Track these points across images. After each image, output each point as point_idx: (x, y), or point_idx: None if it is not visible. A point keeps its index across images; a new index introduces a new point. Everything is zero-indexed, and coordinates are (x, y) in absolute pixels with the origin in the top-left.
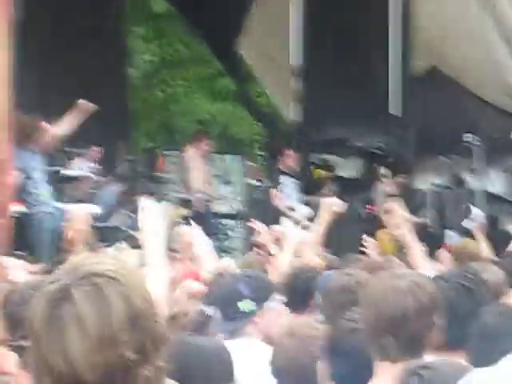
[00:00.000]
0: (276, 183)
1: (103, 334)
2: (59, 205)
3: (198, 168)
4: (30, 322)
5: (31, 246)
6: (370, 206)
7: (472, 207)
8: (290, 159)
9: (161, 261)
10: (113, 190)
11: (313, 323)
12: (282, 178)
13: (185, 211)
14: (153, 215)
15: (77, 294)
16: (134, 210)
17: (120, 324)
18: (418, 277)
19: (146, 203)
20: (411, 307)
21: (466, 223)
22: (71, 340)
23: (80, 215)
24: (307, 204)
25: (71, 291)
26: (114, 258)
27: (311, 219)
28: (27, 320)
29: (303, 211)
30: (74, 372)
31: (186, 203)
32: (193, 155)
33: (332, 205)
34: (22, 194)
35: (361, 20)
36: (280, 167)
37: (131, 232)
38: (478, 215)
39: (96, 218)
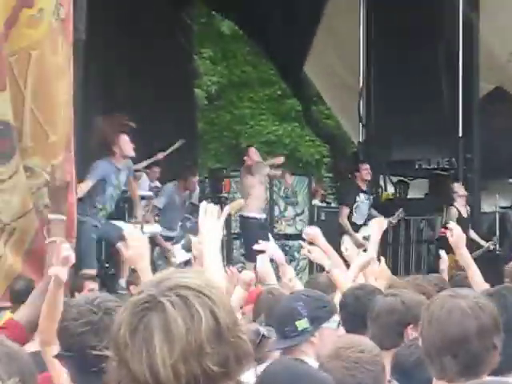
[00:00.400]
0: (352, 201)
1: (190, 344)
2: (117, 222)
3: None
4: (116, 331)
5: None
6: (443, 230)
7: None
8: (366, 172)
9: (218, 265)
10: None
11: (361, 346)
12: (359, 196)
13: None
14: (213, 218)
15: (165, 303)
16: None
17: (206, 336)
18: (479, 298)
19: (207, 206)
20: (473, 328)
21: None
22: (158, 349)
23: (138, 236)
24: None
25: (160, 301)
26: (198, 273)
27: None
28: (112, 329)
29: (368, 232)
30: (157, 382)
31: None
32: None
33: (380, 223)
34: (84, 203)
35: (428, 42)
36: (358, 183)
37: (191, 236)
38: None
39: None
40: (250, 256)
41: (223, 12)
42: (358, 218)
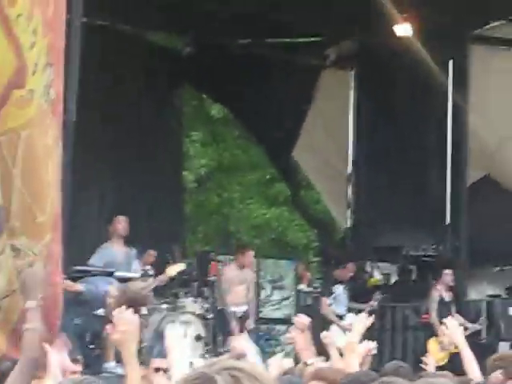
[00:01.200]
0: (329, 291)
1: None
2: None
3: (237, 285)
4: None
5: None
6: (424, 315)
7: None
8: (349, 271)
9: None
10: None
11: None
12: (336, 287)
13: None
14: (179, 343)
15: (217, 379)
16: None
17: None
18: None
19: (172, 331)
20: None
21: None
22: None
23: (126, 317)
24: (359, 311)
25: (212, 377)
26: (253, 363)
27: None
28: None
29: (351, 320)
30: None
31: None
32: (230, 275)
33: (363, 321)
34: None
35: (418, 129)
36: (336, 276)
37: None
38: None
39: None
40: None
41: (213, 95)
42: (337, 308)
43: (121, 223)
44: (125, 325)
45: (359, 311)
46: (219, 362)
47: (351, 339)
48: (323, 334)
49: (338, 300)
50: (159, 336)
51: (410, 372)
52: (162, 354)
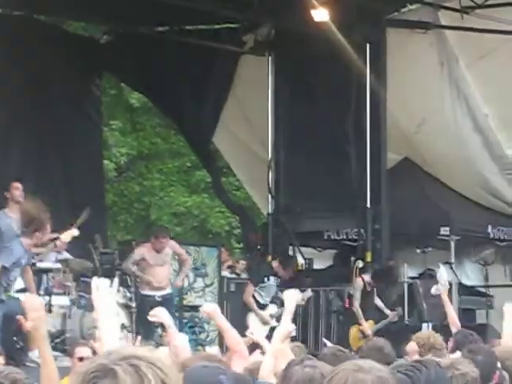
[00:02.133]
0: (259, 281)
1: None
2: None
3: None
4: None
5: None
6: (347, 302)
7: (439, 271)
8: (290, 274)
9: (115, 337)
10: None
11: None
12: (269, 279)
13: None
14: (106, 294)
15: (117, 370)
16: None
17: None
18: (383, 372)
19: (99, 282)
20: None
21: (434, 290)
22: None
23: (33, 303)
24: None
25: (111, 368)
26: (150, 350)
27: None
28: None
29: (274, 310)
30: None
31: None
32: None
33: (294, 295)
34: None
35: (337, 115)
36: (276, 269)
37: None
38: (442, 278)
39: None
40: None
41: (132, 84)
42: (263, 298)
43: (17, 189)
44: (34, 311)
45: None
46: (117, 351)
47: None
48: (248, 333)
49: (267, 289)
50: (82, 326)
51: (349, 357)
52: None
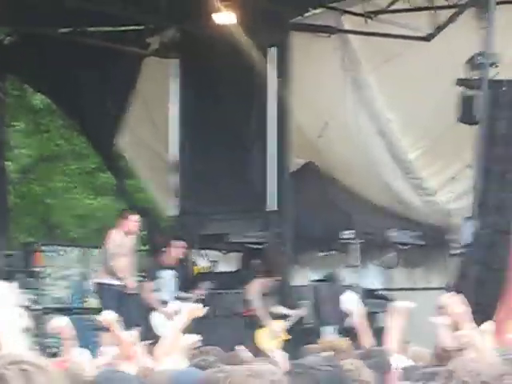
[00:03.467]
0: (152, 276)
1: None
2: None
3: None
4: None
5: None
6: (246, 310)
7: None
8: (179, 250)
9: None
10: None
11: None
12: (163, 272)
13: None
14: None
15: (7, 375)
16: None
17: None
18: (277, 375)
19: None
20: None
21: (347, 322)
22: None
23: None
24: (185, 299)
25: (3, 373)
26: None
27: None
28: None
29: (176, 306)
30: None
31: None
32: (117, 239)
33: (194, 310)
34: None
35: (241, 116)
36: (162, 260)
37: None
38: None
39: None
40: None
41: (35, 85)
42: (165, 295)
43: None
44: None
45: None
46: (7, 355)
47: (174, 327)
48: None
49: (164, 285)
50: None
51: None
52: None
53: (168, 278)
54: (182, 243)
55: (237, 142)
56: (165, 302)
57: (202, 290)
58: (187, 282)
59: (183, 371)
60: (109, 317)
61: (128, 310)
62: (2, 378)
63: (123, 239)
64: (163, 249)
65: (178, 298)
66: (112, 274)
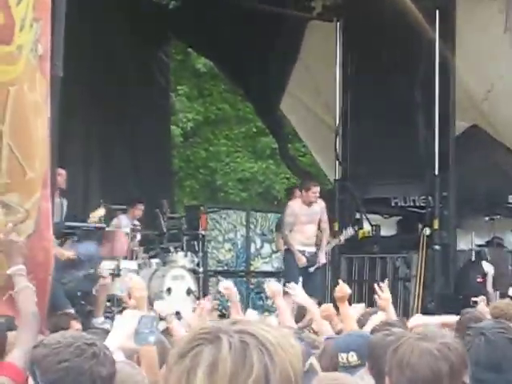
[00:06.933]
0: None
1: None
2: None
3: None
4: (171, 353)
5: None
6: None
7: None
8: (314, 195)
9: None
10: None
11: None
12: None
13: None
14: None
15: (225, 342)
16: None
17: None
18: (447, 338)
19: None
20: (444, 370)
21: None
22: (198, 381)
23: (138, 284)
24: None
25: (221, 337)
26: (277, 330)
27: None
28: (172, 350)
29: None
30: None
31: None
32: (297, 207)
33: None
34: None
35: (405, 80)
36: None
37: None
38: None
39: None
40: None
41: (199, 49)
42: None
43: (60, 175)
44: (138, 291)
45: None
46: (240, 322)
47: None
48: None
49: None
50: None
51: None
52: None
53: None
54: (318, 189)
55: (401, 106)
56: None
57: (344, 235)
58: (352, 246)
59: (352, 333)
60: (274, 287)
61: (312, 280)
62: (218, 344)
63: (301, 209)
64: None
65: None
66: (288, 244)
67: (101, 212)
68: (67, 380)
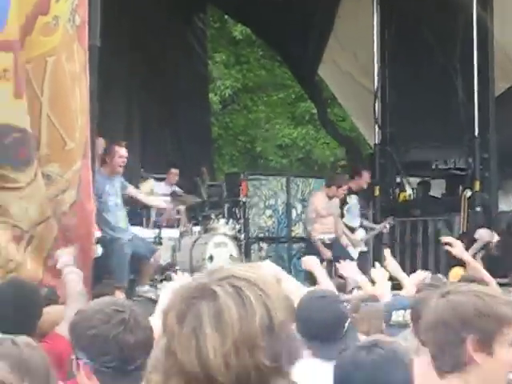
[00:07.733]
0: (343, 203)
1: (242, 335)
2: (135, 230)
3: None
4: (164, 318)
5: (111, 271)
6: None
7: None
8: (363, 181)
9: None
10: None
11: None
12: (350, 197)
13: None
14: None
15: (218, 291)
16: None
17: (259, 328)
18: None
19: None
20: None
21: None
22: (208, 338)
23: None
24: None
25: (211, 288)
26: (254, 268)
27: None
28: (162, 316)
29: (361, 235)
30: (206, 372)
31: None
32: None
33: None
34: (98, 219)
35: (443, 43)
36: (352, 187)
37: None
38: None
39: None
40: None
41: (236, 17)
42: (350, 220)
43: (121, 157)
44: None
45: (370, 230)
46: (218, 270)
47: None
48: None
49: (350, 211)
50: (192, 258)
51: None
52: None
53: (353, 203)
54: (369, 175)
55: (440, 69)
56: (351, 229)
57: (386, 224)
58: (393, 209)
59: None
60: (309, 260)
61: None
62: (213, 295)
63: (322, 203)
64: (356, 177)
65: (362, 227)
66: (312, 238)
67: (150, 183)
68: (94, 347)
